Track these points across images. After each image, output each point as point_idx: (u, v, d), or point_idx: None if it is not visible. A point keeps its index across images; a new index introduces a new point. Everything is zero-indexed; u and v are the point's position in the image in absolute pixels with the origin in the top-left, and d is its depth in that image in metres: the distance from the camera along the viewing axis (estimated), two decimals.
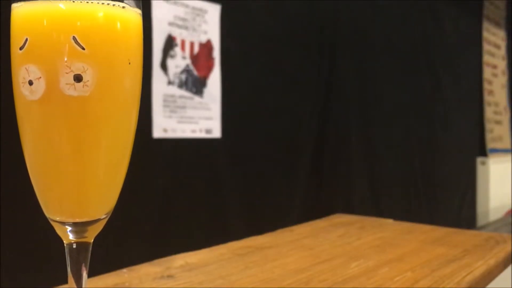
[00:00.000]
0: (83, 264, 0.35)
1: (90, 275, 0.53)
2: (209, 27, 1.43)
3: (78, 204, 0.34)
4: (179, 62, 1.35)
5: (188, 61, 1.37)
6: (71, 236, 0.34)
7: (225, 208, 1.50)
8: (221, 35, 1.46)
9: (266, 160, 1.65)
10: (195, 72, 1.39)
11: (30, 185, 0.34)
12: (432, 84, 2.64)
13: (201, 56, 1.41)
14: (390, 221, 0.86)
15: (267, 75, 1.65)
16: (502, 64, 3.48)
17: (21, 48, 0.30)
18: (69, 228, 0.34)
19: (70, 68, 0.30)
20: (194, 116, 1.39)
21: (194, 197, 1.41)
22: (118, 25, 0.32)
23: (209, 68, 1.43)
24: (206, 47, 1.42)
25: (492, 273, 0.58)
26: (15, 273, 1.01)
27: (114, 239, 1.18)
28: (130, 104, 0.34)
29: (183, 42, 1.35)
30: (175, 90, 1.34)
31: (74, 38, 0.30)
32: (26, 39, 0.30)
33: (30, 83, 0.30)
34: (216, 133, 1.45)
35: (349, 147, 2.02)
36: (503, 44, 3.51)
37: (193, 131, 1.39)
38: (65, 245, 0.34)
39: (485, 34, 3.22)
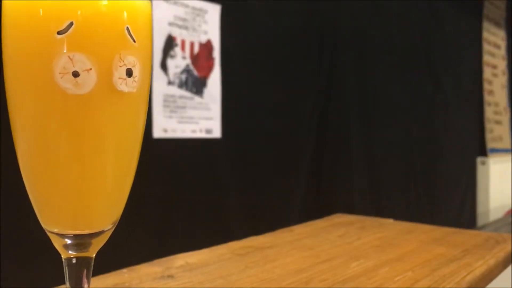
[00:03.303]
0: (84, 279, 0.30)
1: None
2: (209, 27, 1.43)
3: (81, 212, 0.29)
4: (179, 62, 1.35)
5: (188, 61, 1.37)
6: (70, 251, 0.29)
7: (225, 208, 1.50)
8: (221, 35, 1.46)
9: (266, 160, 1.65)
10: (195, 72, 1.39)
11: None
12: (432, 84, 2.64)
13: (201, 56, 1.41)
14: (390, 221, 0.86)
15: (267, 75, 1.65)
16: (502, 64, 3.48)
17: (60, 33, 0.26)
18: (68, 241, 0.29)
19: (123, 61, 0.27)
20: (194, 116, 1.39)
21: (194, 197, 1.41)
22: (150, 19, 0.31)
23: (209, 68, 1.43)
24: (206, 47, 1.42)
25: (492, 273, 0.58)
26: (15, 273, 1.01)
27: (114, 239, 1.18)
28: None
29: (183, 42, 1.35)
30: (175, 90, 1.34)
31: (127, 29, 0.27)
32: (71, 23, 0.26)
33: (75, 74, 0.26)
34: (216, 133, 1.45)
35: (349, 147, 2.02)
36: (503, 44, 3.51)
37: (193, 131, 1.39)
38: (63, 260, 0.30)
39: (485, 34, 3.22)
